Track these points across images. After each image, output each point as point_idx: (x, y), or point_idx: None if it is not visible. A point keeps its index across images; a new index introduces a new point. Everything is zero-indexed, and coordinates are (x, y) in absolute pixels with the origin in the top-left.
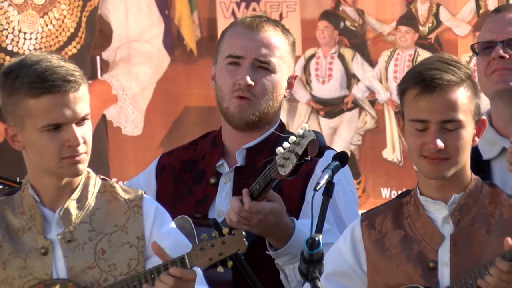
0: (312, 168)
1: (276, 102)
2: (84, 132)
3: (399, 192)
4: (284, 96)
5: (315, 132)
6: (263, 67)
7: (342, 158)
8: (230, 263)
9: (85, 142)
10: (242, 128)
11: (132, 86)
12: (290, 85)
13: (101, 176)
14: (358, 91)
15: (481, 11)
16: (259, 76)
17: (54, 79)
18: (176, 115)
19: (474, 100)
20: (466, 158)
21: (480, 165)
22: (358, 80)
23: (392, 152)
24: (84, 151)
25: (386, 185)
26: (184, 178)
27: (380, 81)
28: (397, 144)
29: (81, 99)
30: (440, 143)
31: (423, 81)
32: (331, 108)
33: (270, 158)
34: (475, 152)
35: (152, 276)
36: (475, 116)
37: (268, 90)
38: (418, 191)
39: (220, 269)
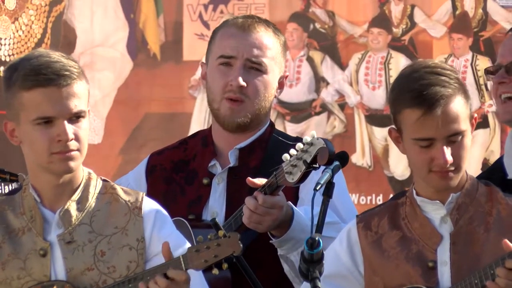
0: None
1: (267, 102)
2: (78, 130)
3: (368, 198)
4: (275, 96)
5: (324, 139)
6: (255, 67)
7: (342, 158)
8: (225, 266)
9: (78, 140)
10: (234, 130)
11: (94, 93)
12: (280, 85)
13: (102, 177)
14: (327, 95)
15: (457, 12)
16: (251, 77)
17: (47, 73)
18: (136, 122)
19: (468, 103)
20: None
21: (505, 183)
22: (328, 83)
23: (362, 157)
24: (76, 148)
25: (354, 191)
26: (175, 178)
27: (351, 84)
28: (367, 148)
29: (75, 95)
30: (450, 158)
31: (424, 102)
32: (297, 112)
33: (276, 168)
34: (500, 170)
35: (148, 278)
36: (470, 119)
37: (260, 91)
38: (414, 191)
39: (215, 271)
